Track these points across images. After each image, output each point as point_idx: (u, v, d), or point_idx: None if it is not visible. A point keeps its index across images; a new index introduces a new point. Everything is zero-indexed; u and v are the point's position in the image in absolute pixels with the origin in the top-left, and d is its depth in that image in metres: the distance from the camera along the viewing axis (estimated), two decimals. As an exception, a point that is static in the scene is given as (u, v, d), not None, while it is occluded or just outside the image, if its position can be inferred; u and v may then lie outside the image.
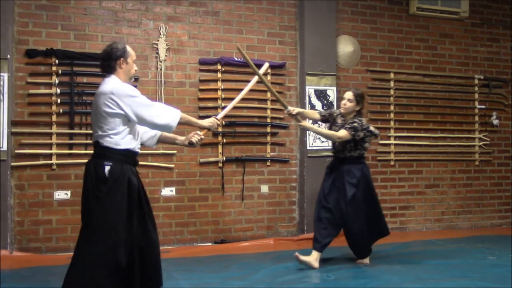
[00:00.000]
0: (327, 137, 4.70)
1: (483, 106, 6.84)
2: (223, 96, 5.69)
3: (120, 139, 3.04)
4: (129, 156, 3.11)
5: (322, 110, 4.84)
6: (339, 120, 4.62)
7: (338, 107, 6.07)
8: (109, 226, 2.94)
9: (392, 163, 6.41)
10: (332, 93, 6.00)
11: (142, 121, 3.09)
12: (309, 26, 5.94)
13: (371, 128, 4.54)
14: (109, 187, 2.96)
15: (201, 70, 5.67)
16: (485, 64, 6.90)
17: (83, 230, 3.04)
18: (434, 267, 4.55)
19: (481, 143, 6.79)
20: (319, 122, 5.08)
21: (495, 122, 6.85)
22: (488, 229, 6.70)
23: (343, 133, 4.42)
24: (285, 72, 5.99)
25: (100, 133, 3.04)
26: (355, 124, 4.44)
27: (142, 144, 3.39)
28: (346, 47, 6.21)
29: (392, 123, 6.42)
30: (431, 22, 6.65)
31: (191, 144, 3.52)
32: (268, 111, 5.85)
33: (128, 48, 3.19)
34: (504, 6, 7.00)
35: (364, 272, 4.36)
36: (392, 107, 6.42)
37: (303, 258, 4.40)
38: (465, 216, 6.76)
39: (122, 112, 3.00)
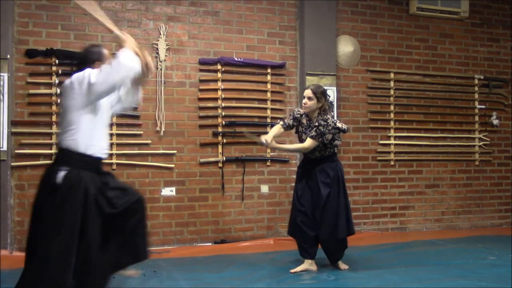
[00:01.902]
0: (296, 151, 4.45)
1: (483, 106, 6.84)
2: (223, 96, 5.69)
3: (80, 141, 2.82)
4: (88, 162, 2.86)
5: (284, 122, 4.50)
6: (304, 120, 4.39)
7: (338, 107, 6.10)
8: (61, 239, 2.72)
9: (392, 163, 6.41)
10: (332, 93, 5.99)
11: (99, 86, 2.77)
12: (309, 26, 5.94)
13: (338, 124, 4.26)
14: (62, 196, 2.74)
15: (201, 70, 5.67)
16: (485, 64, 6.90)
17: (32, 238, 2.86)
18: (434, 267, 4.54)
19: (481, 143, 6.79)
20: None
21: (495, 122, 6.85)
22: (488, 229, 6.70)
23: (309, 142, 4.21)
24: (285, 72, 5.99)
25: (60, 134, 2.90)
26: (320, 128, 4.19)
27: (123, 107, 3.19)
28: (346, 47, 6.21)
29: (392, 123, 6.42)
30: (431, 22, 6.65)
31: None
32: (268, 111, 5.84)
33: (105, 51, 3.06)
34: (504, 6, 7.00)
35: (364, 272, 4.35)
36: (392, 107, 6.42)
37: (299, 268, 4.33)
38: (465, 216, 6.76)
39: (80, 99, 2.78)
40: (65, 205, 2.74)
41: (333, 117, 4.42)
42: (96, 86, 2.77)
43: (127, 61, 2.80)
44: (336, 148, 4.39)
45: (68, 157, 2.82)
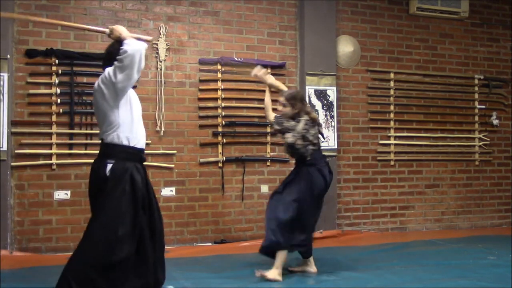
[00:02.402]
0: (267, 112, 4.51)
1: (483, 106, 6.84)
2: (223, 96, 5.69)
3: (121, 135, 2.98)
4: (132, 153, 3.03)
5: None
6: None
7: (338, 107, 6.10)
8: (109, 223, 2.91)
9: (392, 163, 6.41)
10: (332, 93, 6.00)
11: (123, 82, 2.89)
12: (309, 26, 5.94)
13: (309, 136, 4.13)
14: (111, 186, 2.92)
15: (201, 70, 5.67)
16: (485, 64, 6.90)
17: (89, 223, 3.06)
18: (434, 267, 4.55)
19: (481, 143, 6.79)
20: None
21: (495, 122, 6.85)
22: (488, 229, 6.70)
23: (271, 116, 4.37)
24: (285, 72, 5.99)
25: (101, 129, 3.04)
26: (286, 124, 4.15)
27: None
28: (346, 47, 6.21)
29: (392, 123, 6.42)
30: (431, 22, 6.65)
31: None
32: (268, 111, 5.85)
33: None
34: (504, 6, 7.00)
35: (364, 272, 4.35)
36: (392, 107, 6.42)
37: (296, 268, 4.33)
38: (465, 216, 6.76)
39: (112, 101, 2.93)
40: (114, 195, 2.91)
41: (309, 122, 4.19)
42: (120, 83, 2.91)
43: (134, 47, 2.90)
44: (304, 156, 4.21)
45: (112, 150, 2.98)
